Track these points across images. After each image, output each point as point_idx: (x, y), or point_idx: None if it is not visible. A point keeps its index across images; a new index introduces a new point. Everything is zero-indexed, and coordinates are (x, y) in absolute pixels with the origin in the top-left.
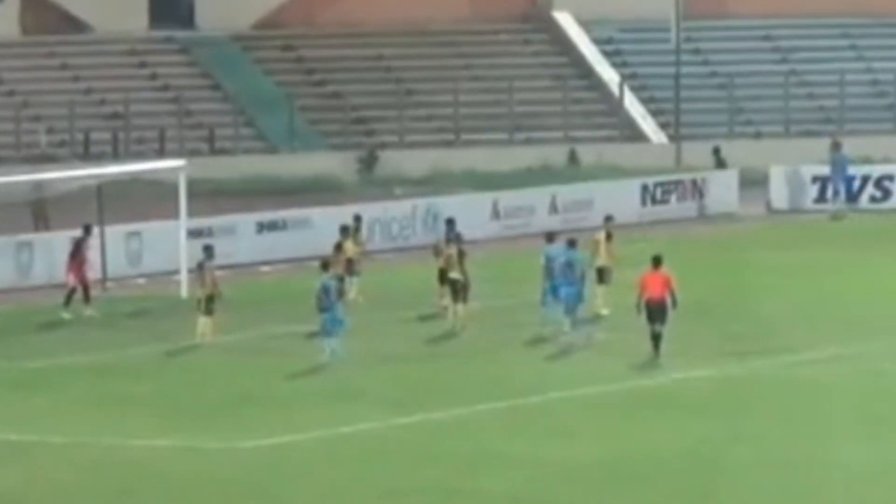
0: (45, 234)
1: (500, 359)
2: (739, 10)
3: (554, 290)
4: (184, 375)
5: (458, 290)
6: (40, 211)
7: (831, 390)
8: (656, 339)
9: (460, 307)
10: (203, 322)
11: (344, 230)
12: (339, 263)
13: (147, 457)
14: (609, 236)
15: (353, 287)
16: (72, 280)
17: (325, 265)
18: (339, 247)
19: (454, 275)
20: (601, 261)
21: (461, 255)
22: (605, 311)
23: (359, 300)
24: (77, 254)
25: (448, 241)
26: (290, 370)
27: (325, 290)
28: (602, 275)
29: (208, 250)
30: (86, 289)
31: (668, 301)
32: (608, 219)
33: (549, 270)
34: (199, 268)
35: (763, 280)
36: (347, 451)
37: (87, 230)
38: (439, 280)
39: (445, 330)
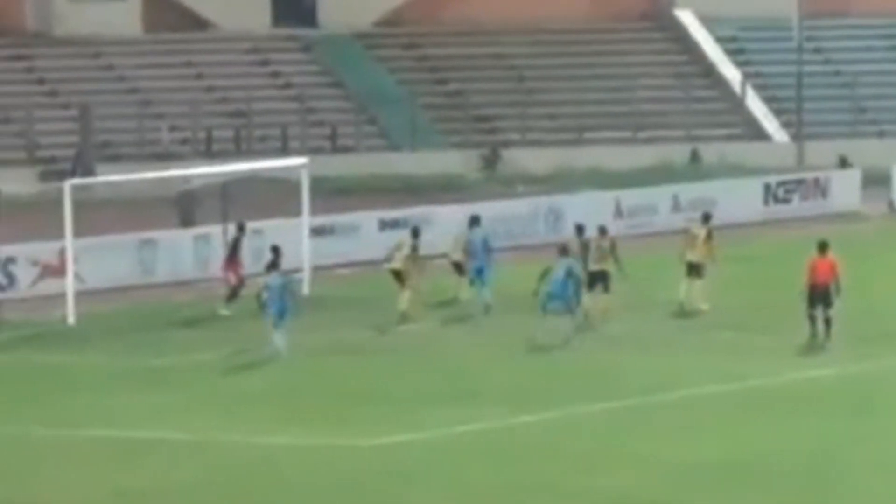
0: (169, 232)
1: (622, 356)
2: (861, 9)
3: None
4: (302, 374)
5: (607, 282)
6: (187, 207)
7: None
8: (826, 322)
9: (603, 298)
10: None
11: (274, 250)
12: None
13: (269, 454)
14: (710, 234)
15: (403, 299)
16: (232, 278)
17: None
18: (274, 257)
19: (601, 266)
20: (696, 256)
21: (613, 246)
22: (704, 307)
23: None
24: (235, 252)
25: (580, 237)
26: (403, 369)
27: (267, 287)
28: (698, 270)
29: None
30: (235, 288)
31: (833, 286)
32: (706, 217)
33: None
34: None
35: (887, 279)
36: (465, 450)
37: (242, 228)
38: None
39: (576, 326)
